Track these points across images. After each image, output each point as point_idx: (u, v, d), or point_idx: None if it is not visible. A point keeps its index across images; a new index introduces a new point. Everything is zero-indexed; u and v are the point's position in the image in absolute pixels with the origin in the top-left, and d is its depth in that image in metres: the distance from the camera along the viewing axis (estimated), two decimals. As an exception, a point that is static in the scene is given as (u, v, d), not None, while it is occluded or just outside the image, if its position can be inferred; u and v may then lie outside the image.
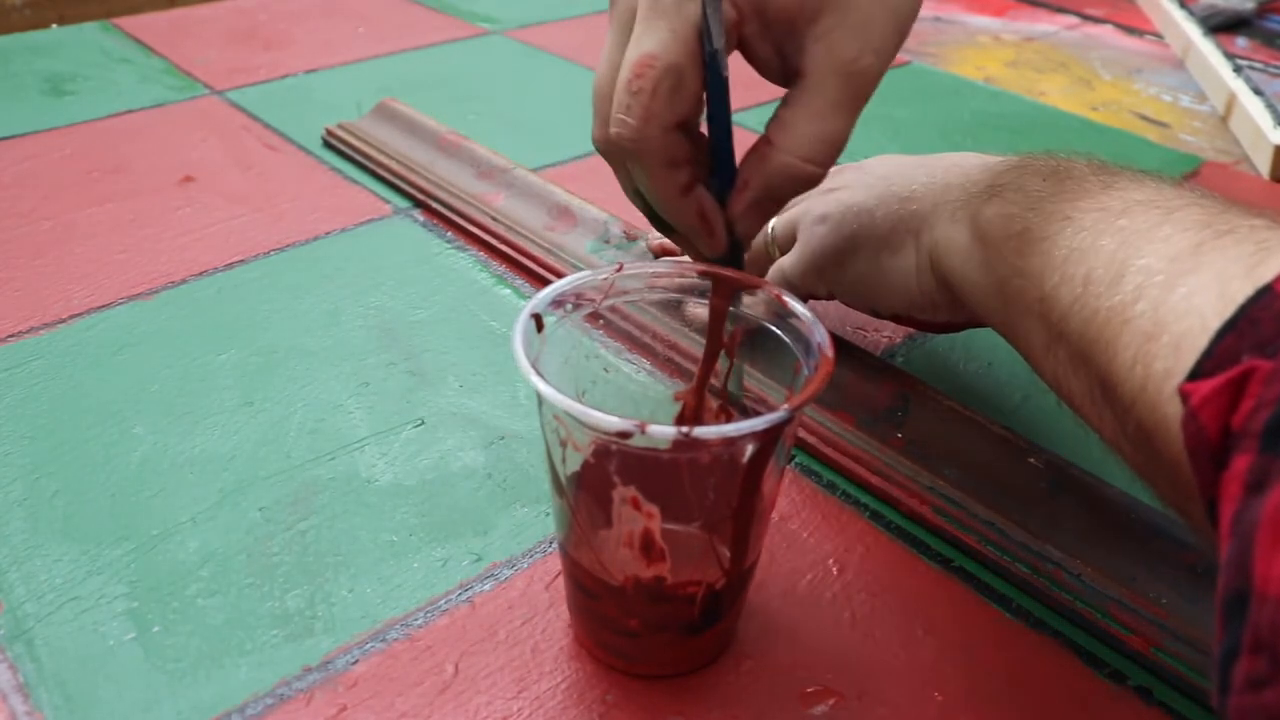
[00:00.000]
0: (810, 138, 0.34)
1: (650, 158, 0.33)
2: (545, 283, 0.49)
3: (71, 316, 0.50)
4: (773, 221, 0.45)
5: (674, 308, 0.45)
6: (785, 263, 0.44)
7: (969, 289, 0.36)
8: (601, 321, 0.34)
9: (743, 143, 0.35)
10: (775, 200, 0.36)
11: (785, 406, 0.28)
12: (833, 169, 0.44)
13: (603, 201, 0.56)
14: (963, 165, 0.39)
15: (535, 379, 0.28)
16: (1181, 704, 0.33)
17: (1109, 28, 0.97)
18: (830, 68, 0.33)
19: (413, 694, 0.32)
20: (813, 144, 0.34)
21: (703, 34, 0.32)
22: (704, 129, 0.35)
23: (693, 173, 0.35)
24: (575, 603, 0.34)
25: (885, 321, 0.51)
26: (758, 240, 0.45)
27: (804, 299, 0.40)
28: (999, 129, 0.73)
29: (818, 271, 0.42)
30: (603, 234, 0.54)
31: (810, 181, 0.35)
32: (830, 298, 0.43)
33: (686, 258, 0.40)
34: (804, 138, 0.34)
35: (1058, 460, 0.39)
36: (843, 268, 0.41)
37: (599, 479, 0.29)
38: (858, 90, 0.34)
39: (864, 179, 0.42)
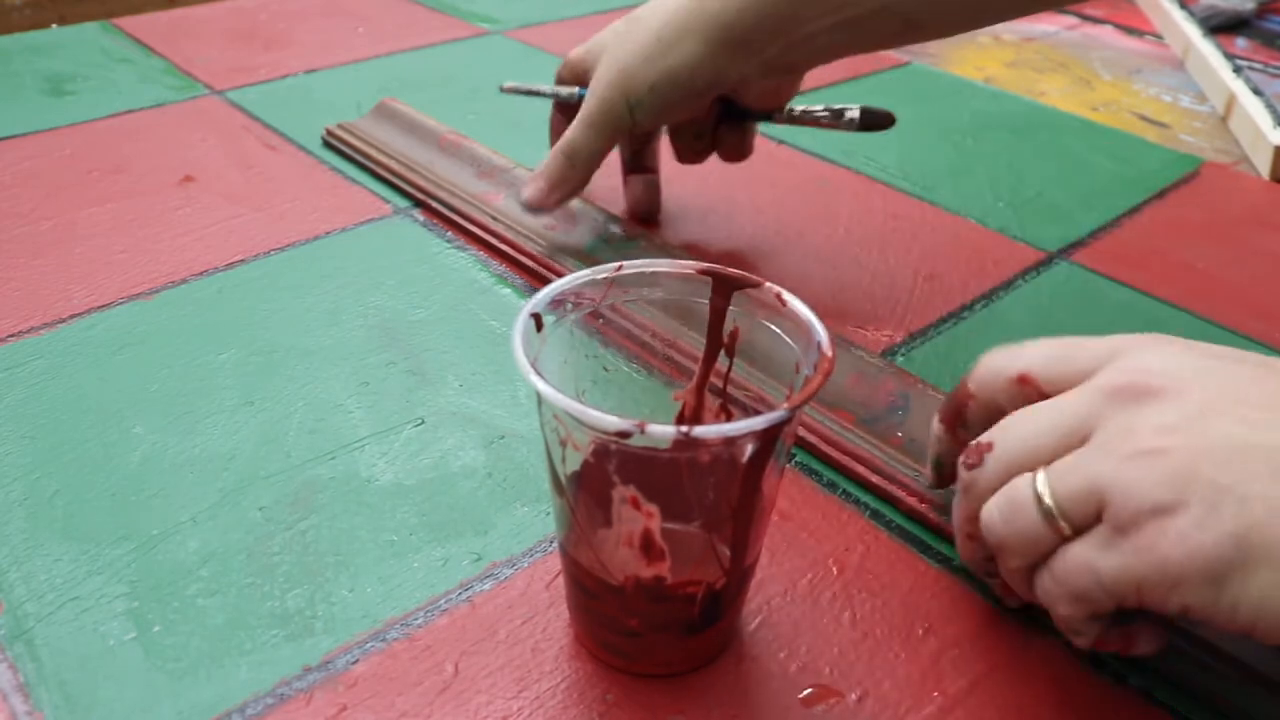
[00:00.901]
0: None
1: None
2: (545, 282, 0.49)
3: (71, 316, 0.50)
4: (1043, 479, 0.29)
5: (674, 307, 0.45)
6: (1100, 565, 0.28)
7: None
8: (601, 321, 0.34)
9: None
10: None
11: (785, 405, 0.28)
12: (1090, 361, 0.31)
13: (603, 201, 0.56)
14: None
15: (535, 379, 0.28)
16: (1182, 704, 0.33)
17: (1109, 28, 0.97)
18: None
19: (413, 693, 0.32)
20: None
21: None
22: None
23: None
24: (575, 602, 0.34)
25: (885, 320, 0.51)
26: (1026, 507, 0.30)
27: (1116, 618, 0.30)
28: (999, 129, 0.73)
29: (1174, 589, 0.27)
30: (603, 233, 0.54)
31: None
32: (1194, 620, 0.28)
33: (686, 258, 0.40)
34: None
35: (1058, 460, 0.39)
36: (1223, 588, 0.26)
37: (599, 478, 0.29)
38: None
39: (1210, 414, 0.28)
